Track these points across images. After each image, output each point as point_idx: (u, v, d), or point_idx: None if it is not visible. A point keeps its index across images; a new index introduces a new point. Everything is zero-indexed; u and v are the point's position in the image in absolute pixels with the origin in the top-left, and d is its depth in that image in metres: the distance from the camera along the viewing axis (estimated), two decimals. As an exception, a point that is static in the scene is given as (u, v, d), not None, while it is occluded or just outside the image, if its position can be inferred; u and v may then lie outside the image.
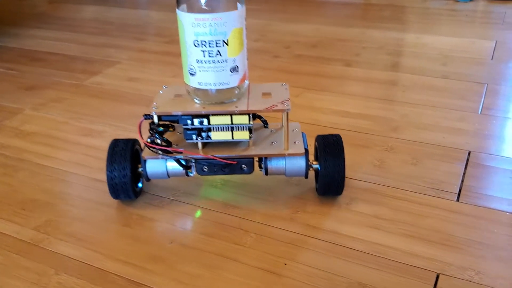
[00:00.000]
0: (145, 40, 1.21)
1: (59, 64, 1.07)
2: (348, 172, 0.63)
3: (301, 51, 1.09)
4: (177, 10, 0.50)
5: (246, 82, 0.55)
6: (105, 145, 0.74)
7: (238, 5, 0.49)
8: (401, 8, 1.39)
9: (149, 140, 0.54)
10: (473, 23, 1.24)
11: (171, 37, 1.22)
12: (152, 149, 0.54)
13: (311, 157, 0.64)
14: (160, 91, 0.57)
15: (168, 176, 0.57)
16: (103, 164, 0.68)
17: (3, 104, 0.88)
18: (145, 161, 0.56)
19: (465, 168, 0.64)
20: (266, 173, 0.56)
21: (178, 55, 1.09)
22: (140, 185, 0.60)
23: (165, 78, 0.97)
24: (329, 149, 0.55)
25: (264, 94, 0.56)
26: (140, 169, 0.58)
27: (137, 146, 0.59)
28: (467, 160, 0.66)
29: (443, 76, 0.92)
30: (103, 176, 0.65)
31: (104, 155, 0.71)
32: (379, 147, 0.70)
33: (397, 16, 1.32)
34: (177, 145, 0.55)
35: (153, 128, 0.54)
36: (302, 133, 0.58)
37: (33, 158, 0.71)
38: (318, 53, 1.07)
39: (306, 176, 0.57)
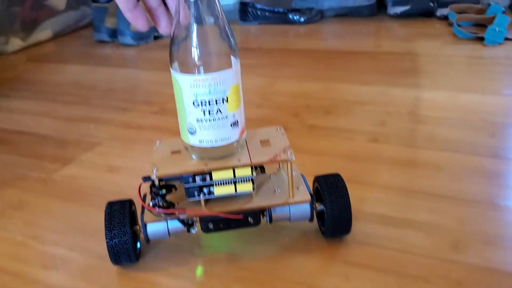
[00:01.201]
0: (131, 110, 1.03)
1: (27, 148, 0.89)
2: None
3: (313, 119, 0.91)
4: (172, 70, 0.50)
5: (245, 133, 0.55)
6: (71, 285, 0.55)
7: (233, 60, 0.50)
8: (419, 57, 1.23)
9: (151, 204, 0.53)
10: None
11: (160, 105, 1.04)
12: (154, 213, 0.53)
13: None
14: (155, 148, 0.57)
15: (169, 235, 0.56)
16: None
17: (-51, 214, 0.70)
18: (145, 224, 0.55)
19: None
20: (271, 222, 0.56)
21: (167, 130, 0.92)
22: (138, 245, 0.58)
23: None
24: (333, 190, 0.56)
25: (262, 142, 0.56)
26: (140, 231, 0.56)
27: (133, 207, 0.57)
28: None
29: (494, 155, 0.75)
30: None
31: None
32: (442, 282, 0.51)
33: (419, 68, 1.15)
34: (177, 203, 0.55)
35: (155, 191, 0.53)
36: (302, 175, 0.59)
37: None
38: (334, 123, 0.89)
39: (311, 220, 0.57)
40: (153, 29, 1.59)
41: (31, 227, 0.66)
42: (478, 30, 1.32)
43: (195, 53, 0.48)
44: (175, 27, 0.49)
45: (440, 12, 1.53)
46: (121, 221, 0.54)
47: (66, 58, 1.50)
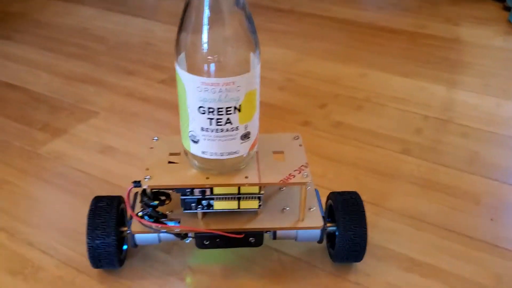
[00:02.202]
0: (137, 74, 0.93)
1: (16, 109, 0.80)
2: None
3: (341, 115, 0.80)
4: (176, 66, 0.41)
5: (256, 146, 0.47)
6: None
7: (253, 61, 0.41)
8: (467, 47, 1.09)
9: (140, 214, 0.47)
10: None
11: (171, 72, 0.93)
12: (144, 224, 0.47)
13: None
14: (151, 147, 0.49)
15: (159, 241, 0.50)
16: None
17: None
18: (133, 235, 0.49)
19: None
20: (274, 238, 0.50)
21: (174, 107, 0.81)
22: (125, 247, 0.52)
23: (151, 151, 0.70)
24: (348, 212, 0.49)
25: (275, 153, 0.49)
26: (126, 232, 0.49)
27: (122, 205, 0.51)
28: None
29: (548, 191, 0.64)
30: None
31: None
32: None
33: (465, 62, 1.02)
34: (171, 212, 0.48)
35: (146, 202, 0.46)
36: (316, 190, 0.52)
37: None
38: (364, 123, 0.78)
39: (321, 242, 0.51)
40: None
41: (5, 216, 0.58)
42: (538, 23, 1.17)
43: (207, 49, 0.39)
44: (187, 10, 0.39)
45: (497, -8, 1.36)
46: (106, 220, 0.48)
47: (79, -4, 1.38)
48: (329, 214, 0.53)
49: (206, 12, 0.39)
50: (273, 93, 0.86)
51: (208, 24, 0.39)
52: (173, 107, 0.82)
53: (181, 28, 0.40)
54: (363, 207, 0.50)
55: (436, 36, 1.15)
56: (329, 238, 0.53)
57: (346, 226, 0.49)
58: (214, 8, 0.39)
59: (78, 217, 0.58)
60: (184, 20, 0.39)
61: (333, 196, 0.52)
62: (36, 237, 0.55)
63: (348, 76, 0.94)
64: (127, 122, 0.77)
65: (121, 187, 0.63)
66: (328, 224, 0.50)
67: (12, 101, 0.82)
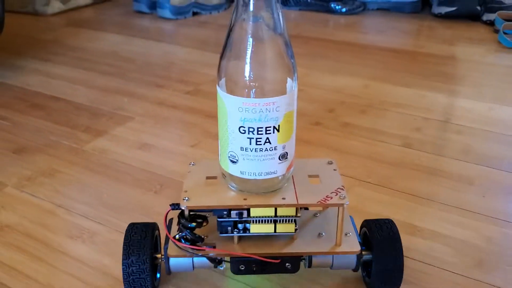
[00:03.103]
0: (165, 87, 1.03)
1: (61, 116, 0.90)
2: None
3: (348, 117, 0.90)
4: (218, 88, 0.44)
5: (293, 167, 0.48)
6: (94, 258, 0.56)
7: (291, 84, 0.43)
8: (461, 62, 1.20)
9: (177, 236, 0.47)
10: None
11: (195, 86, 1.04)
12: (180, 246, 0.47)
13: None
14: (188, 171, 0.50)
15: (193, 268, 0.50)
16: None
17: (-18, 174, 0.72)
18: (168, 258, 0.49)
19: None
20: (310, 266, 0.50)
21: (201, 112, 0.92)
22: (158, 275, 0.52)
23: (183, 147, 0.80)
24: (385, 241, 0.49)
25: (310, 176, 0.49)
26: (161, 259, 0.50)
27: (157, 232, 0.52)
28: None
29: (532, 175, 0.73)
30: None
31: (91, 276, 0.54)
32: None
33: (460, 74, 1.12)
34: (206, 236, 0.48)
35: (183, 223, 0.47)
36: (350, 217, 0.52)
37: (1, 275, 0.54)
38: (369, 123, 0.88)
39: (356, 270, 0.51)
40: (192, 4, 1.58)
41: (60, 196, 0.67)
42: (526, 41, 1.28)
43: (249, 72, 0.42)
44: (229, 37, 0.43)
45: (487, 17, 1.48)
46: (141, 248, 0.48)
47: (104, 25, 1.50)
48: (364, 242, 0.52)
49: (250, 40, 0.41)
50: (287, 101, 0.96)
51: (250, 50, 0.41)
52: (199, 112, 0.92)
53: (223, 54, 0.43)
54: (399, 235, 0.50)
55: (434, 54, 1.26)
56: (364, 266, 0.53)
57: (384, 256, 0.49)
58: (255, 36, 0.41)
59: (122, 197, 0.67)
60: (227, 47, 0.43)
61: (368, 224, 0.52)
62: (89, 212, 0.64)
63: (352, 87, 1.04)
64: (160, 124, 0.87)
65: (158, 174, 0.72)
66: (364, 252, 0.50)
67: (57, 110, 0.93)
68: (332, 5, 1.64)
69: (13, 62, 1.16)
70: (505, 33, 1.31)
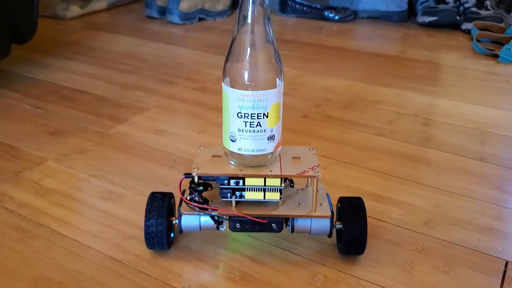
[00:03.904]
0: (175, 84, 1.19)
1: (87, 106, 1.06)
2: (373, 277, 0.60)
3: (332, 111, 1.06)
4: (223, 84, 0.57)
5: (280, 148, 0.60)
6: (122, 213, 0.71)
7: (278, 82, 0.56)
8: (438, 67, 1.35)
9: (188, 198, 0.60)
10: (513, 91, 1.19)
11: (201, 83, 1.20)
12: (190, 206, 0.60)
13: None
14: (198, 151, 0.63)
15: (200, 229, 0.62)
16: (119, 237, 0.66)
17: (27, 151, 0.87)
18: (181, 215, 0.61)
19: (501, 284, 0.60)
20: (292, 231, 0.61)
21: (206, 106, 1.07)
22: (172, 235, 0.64)
23: (192, 133, 0.95)
24: (352, 211, 0.61)
25: (294, 158, 0.61)
26: (174, 221, 0.62)
27: (172, 200, 0.64)
28: (504, 273, 0.62)
29: (480, 158, 0.88)
30: (118, 255, 0.63)
31: (120, 225, 0.69)
32: (410, 246, 0.66)
33: (435, 77, 1.28)
34: (211, 201, 0.60)
35: (193, 187, 0.59)
36: (327, 194, 0.63)
37: (51, 223, 0.69)
38: (350, 116, 1.03)
39: (330, 236, 0.62)
40: (199, 11, 1.74)
41: (92, 168, 0.83)
42: (495, 48, 1.43)
43: (246, 73, 0.55)
44: (232, 46, 0.55)
45: (465, 26, 1.63)
46: (160, 212, 0.60)
47: (119, 29, 1.66)
48: (339, 216, 0.63)
49: (247, 49, 0.54)
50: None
51: (247, 56, 0.54)
52: (204, 106, 1.07)
53: (228, 58, 0.56)
54: (365, 210, 0.61)
55: (413, 59, 1.41)
56: (337, 235, 0.64)
57: (351, 225, 0.60)
58: (252, 45, 0.55)
59: (143, 169, 0.82)
60: (230, 53, 0.55)
61: (341, 200, 0.63)
62: (117, 180, 0.79)
63: (339, 86, 1.20)
64: (171, 114, 1.03)
65: (172, 153, 0.87)
66: (337, 223, 0.62)
67: (83, 101, 1.08)
68: (326, 13, 1.80)
69: (42, 61, 1.32)
70: (478, 40, 1.47)
